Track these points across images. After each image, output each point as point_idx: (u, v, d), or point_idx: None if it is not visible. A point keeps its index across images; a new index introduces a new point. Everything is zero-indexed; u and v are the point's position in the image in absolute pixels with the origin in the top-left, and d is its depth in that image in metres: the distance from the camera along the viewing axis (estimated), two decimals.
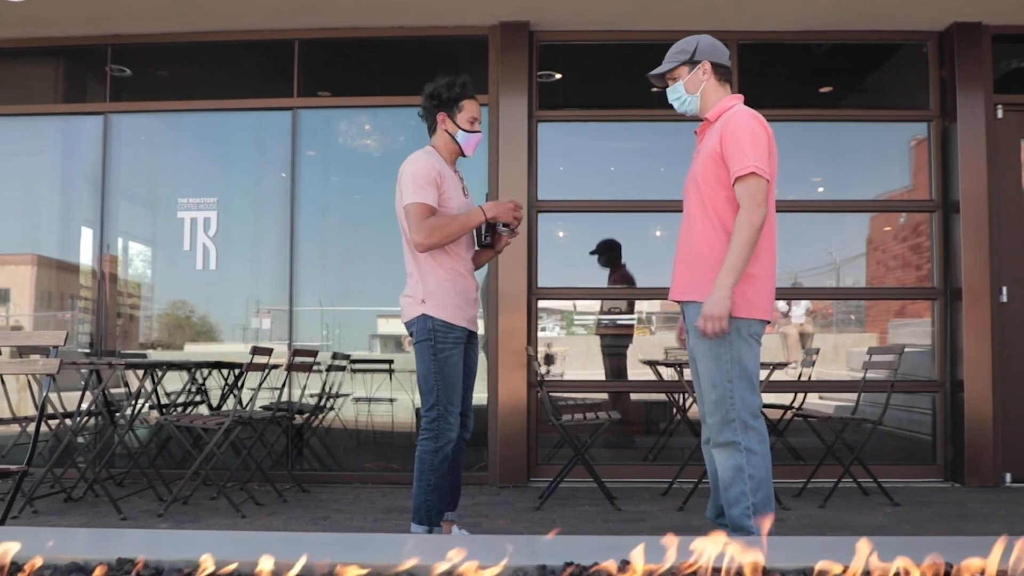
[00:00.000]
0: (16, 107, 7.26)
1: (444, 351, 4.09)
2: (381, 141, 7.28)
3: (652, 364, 6.73)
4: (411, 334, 4.18)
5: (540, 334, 6.94)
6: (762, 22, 6.72)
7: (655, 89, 7.18)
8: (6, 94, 7.31)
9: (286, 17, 6.75)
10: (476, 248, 4.40)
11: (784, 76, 7.34)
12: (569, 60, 7.12)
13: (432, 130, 4.36)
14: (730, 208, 3.65)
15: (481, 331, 4.33)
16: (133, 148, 7.24)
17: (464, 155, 4.36)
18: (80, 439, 5.83)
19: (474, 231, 4.34)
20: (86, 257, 7.21)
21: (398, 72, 7.17)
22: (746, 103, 3.83)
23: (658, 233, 7.14)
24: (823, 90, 7.30)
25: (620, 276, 7.13)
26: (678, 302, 3.87)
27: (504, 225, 4.29)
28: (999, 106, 6.75)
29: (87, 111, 7.24)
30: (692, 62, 3.87)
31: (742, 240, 3.52)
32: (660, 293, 7.11)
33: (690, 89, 3.88)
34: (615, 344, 7.22)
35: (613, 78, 7.31)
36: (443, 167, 4.21)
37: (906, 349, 5.92)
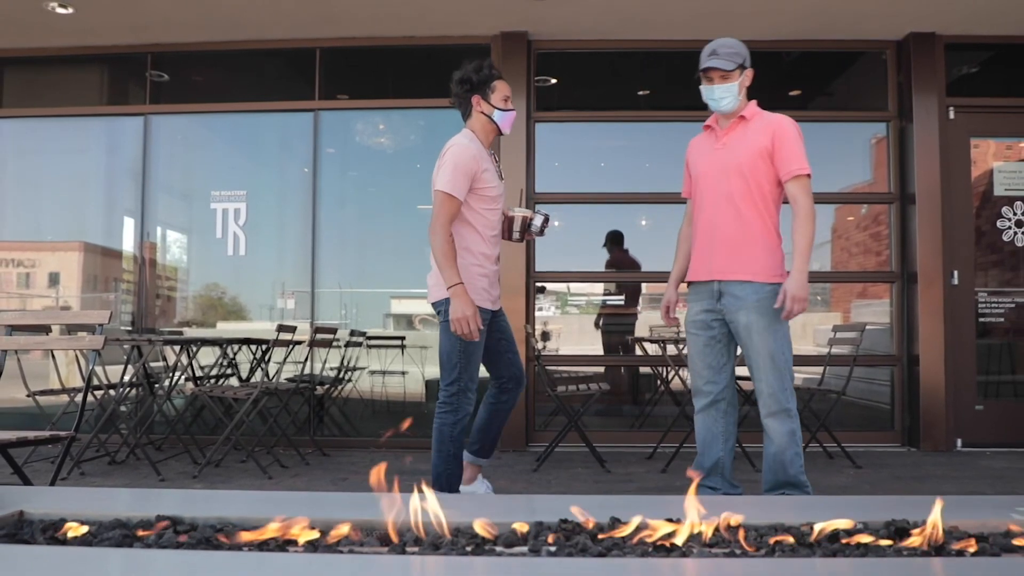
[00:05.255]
0: (66, 109, 7.24)
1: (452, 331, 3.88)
2: (394, 139, 7.25)
3: (639, 341, 6.71)
4: (438, 313, 3.97)
5: (537, 313, 6.93)
6: (737, 32, 6.64)
7: (641, 92, 7.22)
8: (57, 97, 7.28)
9: (309, 28, 6.72)
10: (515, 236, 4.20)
11: (757, 81, 7.24)
12: (564, 66, 7.08)
13: (467, 115, 4.07)
14: (773, 198, 3.77)
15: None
16: (170, 146, 7.21)
17: (502, 133, 4.10)
18: (123, 408, 5.82)
19: (509, 227, 4.14)
20: (128, 244, 7.19)
21: (409, 77, 7.13)
22: None
23: (643, 222, 7.10)
24: (792, 93, 7.25)
25: (617, 258, 7.08)
26: (720, 281, 3.78)
27: (539, 227, 4.13)
28: (951, 108, 6.73)
29: (129, 112, 7.21)
30: (743, 67, 3.88)
31: (812, 229, 3.67)
32: (644, 277, 7.12)
33: (740, 90, 3.87)
34: (609, 323, 7.20)
35: (604, 83, 7.26)
36: (482, 153, 3.97)
37: (867, 327, 5.91)
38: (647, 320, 7.24)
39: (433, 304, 4.02)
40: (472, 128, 4.05)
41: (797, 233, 3.67)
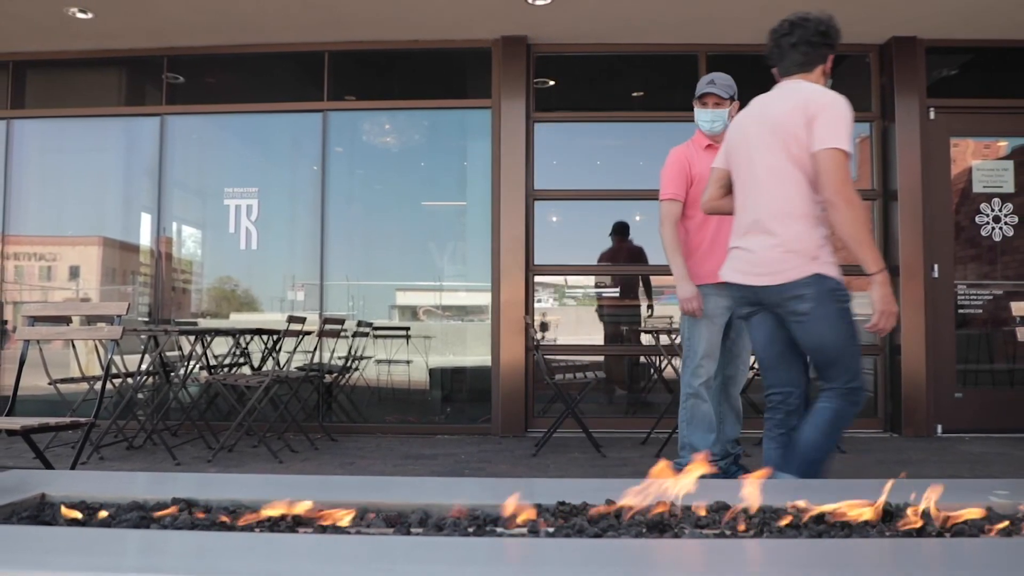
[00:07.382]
0: (85, 109, 7.23)
1: (851, 311, 3.08)
2: (399, 139, 7.24)
3: (635, 331, 6.70)
4: (786, 298, 3.07)
5: (536, 305, 6.93)
6: (727, 36, 6.65)
7: (635, 94, 7.20)
8: (77, 98, 7.28)
9: (318, 32, 6.71)
10: None
11: (746, 82, 7.21)
12: (562, 69, 7.06)
13: (807, 67, 3.17)
14: None
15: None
16: (185, 145, 7.20)
17: None
18: (140, 395, 5.83)
19: None
20: (145, 239, 7.19)
21: (414, 79, 7.12)
22: None
23: (637, 218, 7.09)
24: None
25: (620, 248, 7.07)
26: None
27: None
28: (931, 109, 6.72)
29: (146, 113, 7.21)
30: (733, 99, 4.32)
31: None
32: (639, 270, 7.12)
33: (728, 118, 4.20)
34: (611, 313, 7.19)
35: (600, 84, 7.24)
36: None
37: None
38: (657, 310, 7.21)
39: (786, 285, 3.08)
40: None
41: None
